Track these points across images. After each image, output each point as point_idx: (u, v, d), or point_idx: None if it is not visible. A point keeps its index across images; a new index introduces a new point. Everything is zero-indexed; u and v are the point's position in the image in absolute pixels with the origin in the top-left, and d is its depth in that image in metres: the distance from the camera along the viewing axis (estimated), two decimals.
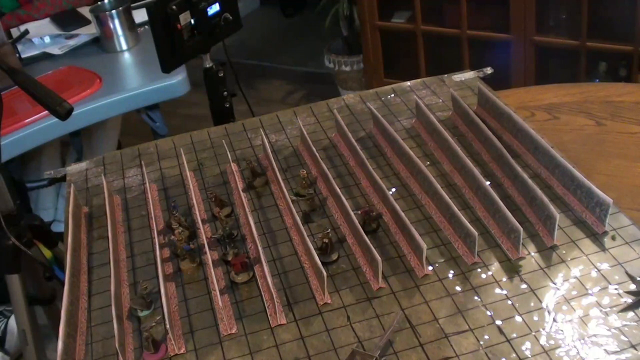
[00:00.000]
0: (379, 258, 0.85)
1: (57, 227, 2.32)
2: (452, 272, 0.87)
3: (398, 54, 2.92)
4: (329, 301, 0.85)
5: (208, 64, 1.70)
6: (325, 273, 0.85)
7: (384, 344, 0.78)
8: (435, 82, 1.31)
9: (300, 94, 3.48)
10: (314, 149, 1.09)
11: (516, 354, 0.75)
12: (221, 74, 1.72)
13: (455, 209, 0.91)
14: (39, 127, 1.82)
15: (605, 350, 0.74)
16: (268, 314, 0.85)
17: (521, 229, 0.87)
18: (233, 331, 0.83)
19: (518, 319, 0.79)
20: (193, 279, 0.92)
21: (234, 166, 1.13)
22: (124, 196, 1.11)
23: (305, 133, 1.13)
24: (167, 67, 1.61)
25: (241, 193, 1.03)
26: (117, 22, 2.15)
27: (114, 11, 2.14)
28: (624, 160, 1.16)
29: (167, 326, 0.81)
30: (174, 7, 1.52)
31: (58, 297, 1.54)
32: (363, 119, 1.22)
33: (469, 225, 0.88)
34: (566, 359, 0.74)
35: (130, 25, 2.19)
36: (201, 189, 1.10)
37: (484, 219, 0.95)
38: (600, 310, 0.79)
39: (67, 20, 2.32)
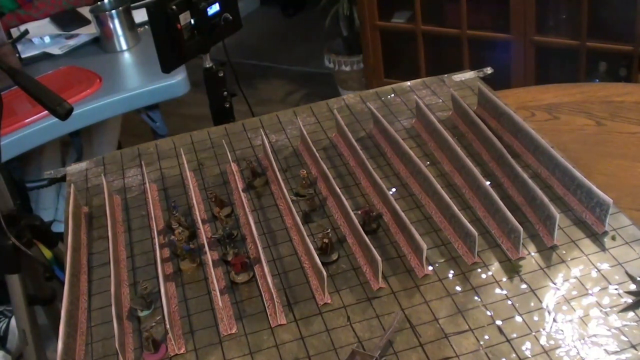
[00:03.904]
0: (379, 258, 0.85)
1: (57, 227, 2.31)
2: (452, 272, 0.87)
3: (398, 54, 2.92)
4: (329, 301, 0.85)
5: (208, 64, 1.70)
6: (325, 273, 0.85)
7: (384, 344, 0.78)
8: (435, 82, 1.31)
9: (300, 94, 3.48)
10: (314, 149, 1.09)
11: (516, 354, 0.75)
12: (221, 74, 1.71)
13: (455, 209, 0.91)
14: (39, 127, 1.82)
15: (605, 350, 0.74)
16: (268, 314, 0.85)
17: (521, 229, 0.87)
18: (233, 331, 0.83)
19: (518, 319, 0.79)
20: (193, 279, 0.92)
21: (234, 166, 1.13)
22: (124, 196, 1.11)
23: (305, 133, 1.13)
24: (167, 67, 1.61)
25: (241, 193, 1.03)
26: (117, 22, 2.15)
27: (114, 11, 2.14)
28: (624, 160, 1.16)
29: (167, 326, 0.81)
30: (174, 7, 1.51)
31: (58, 297, 1.54)
32: (363, 119, 1.22)
33: (469, 225, 0.88)
34: (566, 359, 0.74)
35: (130, 25, 2.18)
36: (201, 189, 1.10)
37: (484, 219, 0.95)
38: (600, 310, 0.79)
39: (67, 20, 2.32)
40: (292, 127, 1.23)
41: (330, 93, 3.23)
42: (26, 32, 2.07)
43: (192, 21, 1.57)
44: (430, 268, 0.88)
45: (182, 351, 0.81)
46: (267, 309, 0.85)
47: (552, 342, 0.76)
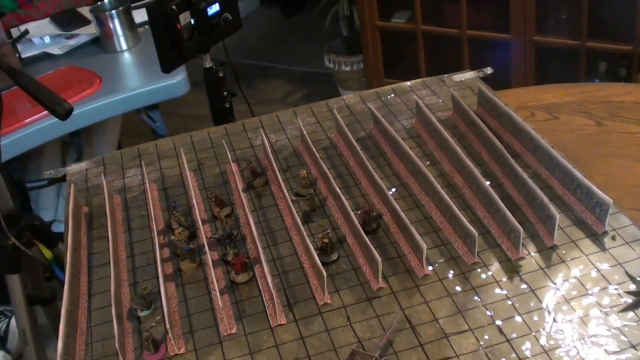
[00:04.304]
0: (379, 258, 0.85)
1: (57, 227, 2.32)
2: (452, 272, 0.87)
3: (398, 54, 2.92)
4: (329, 301, 0.85)
5: (208, 64, 1.70)
6: (325, 273, 0.85)
7: (384, 344, 0.78)
8: (435, 82, 1.31)
9: (300, 94, 3.48)
10: (314, 149, 1.09)
11: (516, 354, 0.75)
12: (221, 74, 1.71)
13: (455, 209, 0.91)
14: (39, 127, 1.82)
15: (605, 350, 0.74)
16: (268, 314, 0.85)
17: (521, 229, 0.87)
18: (233, 331, 0.83)
19: (518, 319, 0.79)
20: (193, 279, 0.92)
21: (234, 166, 1.13)
22: (124, 196, 1.11)
23: (305, 133, 1.13)
24: (167, 67, 1.61)
25: (241, 193, 1.03)
26: (117, 22, 2.15)
27: (114, 11, 2.14)
28: (624, 160, 1.16)
29: (167, 326, 0.81)
30: (174, 7, 1.51)
31: (58, 297, 1.54)
32: (363, 119, 1.22)
33: (469, 225, 0.88)
34: (566, 359, 0.74)
35: (130, 25, 2.19)
36: (201, 189, 1.10)
37: (484, 219, 0.95)
38: (600, 310, 0.79)
39: (67, 20, 2.32)
40: (292, 127, 1.23)
41: (330, 93, 3.23)
42: (26, 32, 2.07)
43: (192, 21, 1.58)
44: (430, 268, 0.88)
45: (182, 351, 0.81)
46: (267, 309, 0.85)
47: (552, 342, 0.76)
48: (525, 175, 0.96)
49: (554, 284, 0.83)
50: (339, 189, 0.99)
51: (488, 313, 0.81)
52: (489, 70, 1.30)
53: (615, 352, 0.74)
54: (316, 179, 1.08)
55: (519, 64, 2.51)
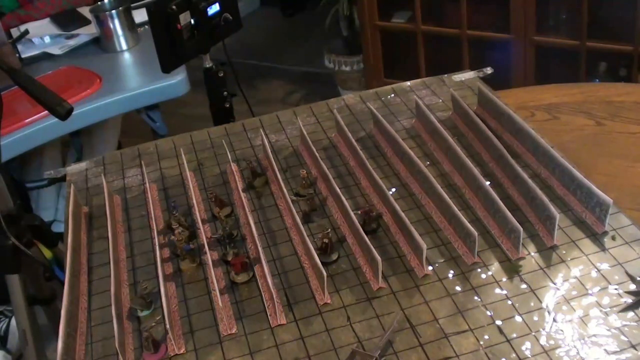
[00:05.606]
0: (379, 258, 0.85)
1: (57, 227, 2.32)
2: (452, 272, 0.87)
3: (398, 54, 2.92)
4: (329, 301, 0.85)
5: (208, 64, 1.70)
6: (325, 273, 0.84)
7: (384, 344, 0.78)
8: (435, 82, 1.31)
9: (300, 94, 3.48)
10: (314, 149, 1.09)
11: (516, 354, 0.75)
12: (221, 74, 1.72)
13: (455, 209, 0.91)
14: (39, 127, 1.82)
15: (605, 350, 0.74)
16: (268, 314, 0.85)
17: (521, 229, 0.87)
18: (233, 331, 0.83)
19: (518, 319, 0.79)
20: (193, 279, 0.92)
21: (234, 166, 1.13)
22: (124, 196, 1.11)
23: (305, 133, 1.13)
24: (167, 67, 1.61)
25: (241, 193, 1.03)
26: (117, 22, 2.15)
27: (114, 11, 2.14)
28: (624, 160, 1.16)
29: (167, 326, 0.81)
30: (174, 7, 1.52)
31: (58, 297, 1.54)
32: (363, 119, 1.22)
33: (469, 225, 0.88)
34: (566, 359, 0.74)
35: (130, 25, 2.19)
36: (201, 189, 1.10)
37: (484, 219, 0.95)
38: (600, 310, 0.79)
39: (67, 20, 2.32)
40: (292, 127, 1.23)
41: (330, 93, 3.23)
42: (26, 32, 2.07)
43: (192, 21, 1.58)
44: (430, 268, 0.88)
45: (182, 351, 0.81)
46: (267, 309, 0.85)
47: (552, 342, 0.76)
48: (525, 175, 0.96)
49: (554, 284, 0.83)
50: (339, 189, 0.99)
51: (488, 313, 0.81)
52: (489, 70, 1.30)
53: (615, 352, 0.74)
54: (316, 179, 1.08)
55: (519, 64, 2.51)
